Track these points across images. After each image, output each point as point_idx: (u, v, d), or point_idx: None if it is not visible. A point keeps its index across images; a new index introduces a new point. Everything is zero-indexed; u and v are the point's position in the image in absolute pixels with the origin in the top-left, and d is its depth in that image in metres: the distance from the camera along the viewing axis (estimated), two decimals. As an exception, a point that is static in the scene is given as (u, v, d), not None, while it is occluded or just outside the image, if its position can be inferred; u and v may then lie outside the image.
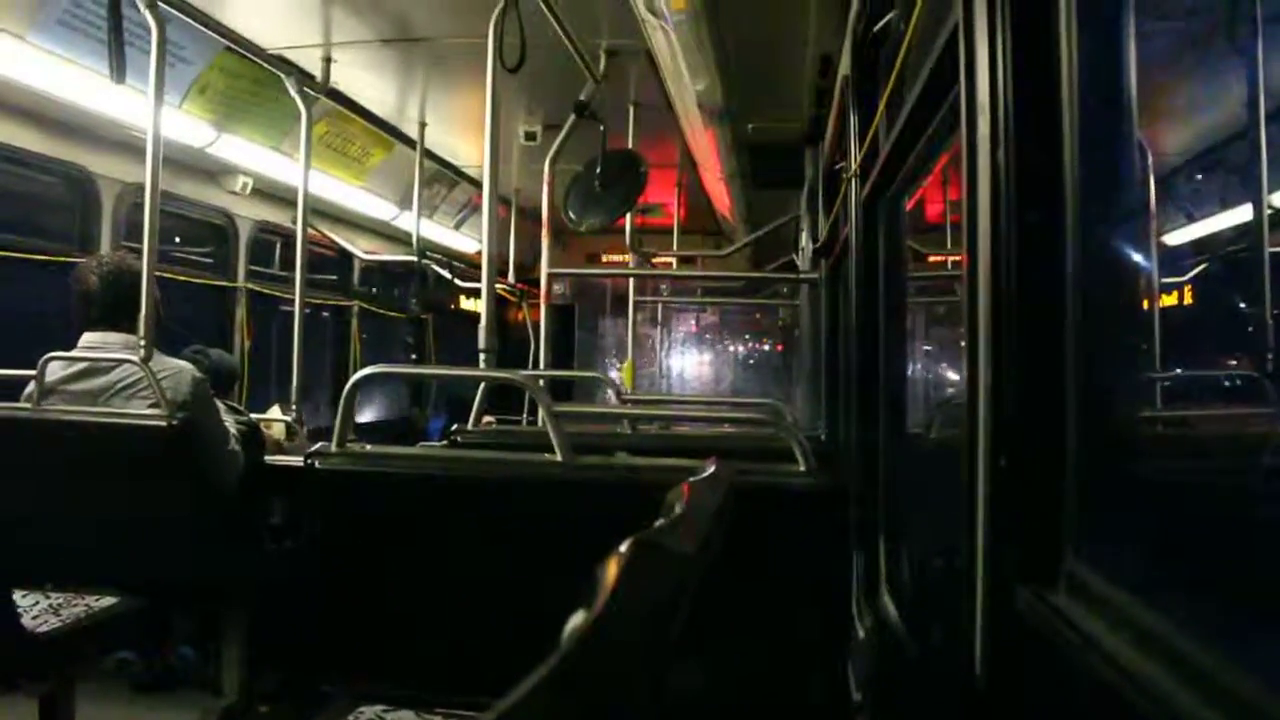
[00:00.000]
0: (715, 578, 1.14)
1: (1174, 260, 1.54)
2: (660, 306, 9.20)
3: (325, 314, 7.61)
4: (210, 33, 4.33)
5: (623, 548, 0.80)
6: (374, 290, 8.32)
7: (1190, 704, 0.73)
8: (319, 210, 6.45)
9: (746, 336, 12.23)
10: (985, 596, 1.15)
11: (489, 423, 4.34)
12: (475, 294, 7.59)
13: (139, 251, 3.34)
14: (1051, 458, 1.09)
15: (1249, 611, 0.87)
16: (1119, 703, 0.81)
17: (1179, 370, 1.49)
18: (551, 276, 4.88)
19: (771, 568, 2.30)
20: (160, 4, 3.39)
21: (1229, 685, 0.72)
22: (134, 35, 3.60)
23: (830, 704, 2.40)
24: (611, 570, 0.76)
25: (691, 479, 1.27)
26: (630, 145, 5.34)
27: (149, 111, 3.37)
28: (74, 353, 3.24)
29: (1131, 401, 1.30)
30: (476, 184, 7.52)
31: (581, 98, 4.67)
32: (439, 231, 8.19)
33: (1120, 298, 1.31)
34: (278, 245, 6.73)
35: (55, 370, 3.20)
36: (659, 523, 1.06)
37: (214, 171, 5.68)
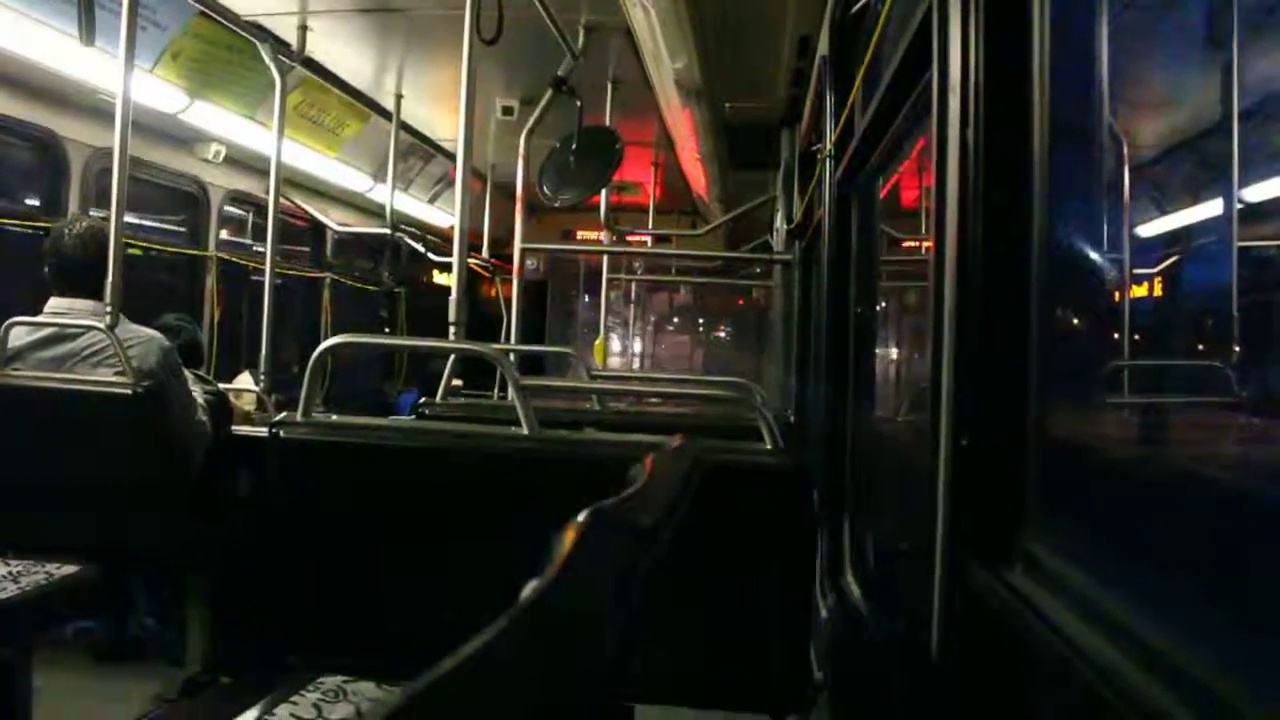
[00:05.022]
0: (679, 553, 1.14)
1: (1142, 250, 1.54)
2: (634, 284, 9.19)
3: (297, 285, 7.56)
4: (184, -3, 4.27)
5: (580, 518, 0.80)
6: (347, 263, 8.27)
7: (1139, 679, 0.74)
8: (292, 181, 6.40)
9: (719, 316, 12.24)
10: (943, 574, 1.16)
11: (458, 386, 4.32)
12: (448, 268, 7.58)
13: (107, 218, 3.30)
14: (1012, 440, 1.10)
15: (1200, 591, 0.88)
16: (1071, 676, 0.82)
17: (1142, 358, 1.50)
18: (525, 252, 4.86)
19: (737, 545, 2.31)
20: (132, -35, 3.33)
21: (1178, 661, 0.73)
22: (104, -3, 3.55)
23: (793, 681, 2.41)
24: (567, 540, 0.76)
25: (655, 454, 1.27)
26: (607, 122, 5.31)
27: (119, 76, 3.32)
28: (39, 318, 3.20)
29: (1092, 387, 1.31)
30: (452, 157, 7.47)
31: (559, 73, 4.63)
32: (414, 205, 8.14)
33: (1086, 284, 1.32)
34: (250, 215, 6.67)
35: (20, 336, 3.16)
36: (620, 495, 1.06)
37: (186, 139, 5.61)
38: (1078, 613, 0.87)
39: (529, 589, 0.66)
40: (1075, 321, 1.28)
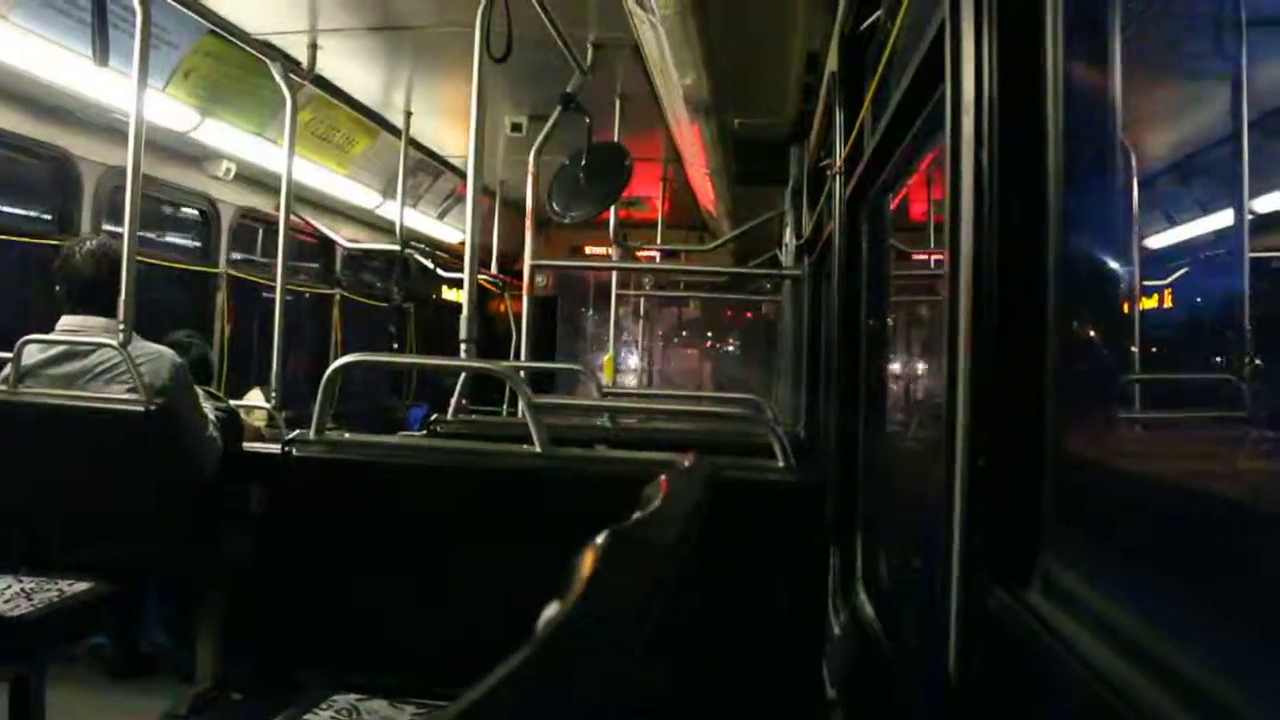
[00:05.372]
0: (692, 571, 1.14)
1: (1155, 263, 1.54)
2: (643, 300, 9.20)
3: (307, 301, 7.58)
4: (195, 16, 4.29)
5: (599, 539, 0.80)
6: (357, 279, 8.29)
7: (1158, 700, 0.73)
8: (302, 197, 6.42)
9: (729, 332, 12.24)
10: (960, 594, 1.15)
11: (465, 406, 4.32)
12: (458, 284, 7.59)
13: (120, 235, 3.32)
14: (1029, 459, 1.10)
15: (1220, 612, 0.88)
16: (1089, 699, 0.82)
17: (1157, 373, 1.49)
18: (534, 268, 4.87)
19: (749, 563, 2.30)
20: (145, -14, 3.36)
21: (1197, 682, 0.72)
22: (117, 17, 3.58)
23: (806, 700, 2.40)
24: (588, 562, 0.76)
25: (669, 472, 1.27)
26: (616, 138, 5.33)
27: (132, 94, 3.33)
28: (52, 335, 3.21)
29: (1109, 403, 1.30)
30: (461, 174, 7.50)
31: (568, 90, 4.65)
32: (423, 221, 8.16)
33: (1101, 299, 1.32)
34: (260, 232, 6.69)
35: (33, 353, 3.18)
36: (636, 515, 1.06)
37: (197, 156, 5.63)
38: (1097, 634, 0.86)
39: (550, 612, 0.66)
40: (1091, 338, 1.28)
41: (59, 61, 4.07)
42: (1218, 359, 1.39)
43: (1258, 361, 1.24)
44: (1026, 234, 1.12)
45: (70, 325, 3.23)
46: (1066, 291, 1.12)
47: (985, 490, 1.12)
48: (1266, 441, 1.14)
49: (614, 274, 7.06)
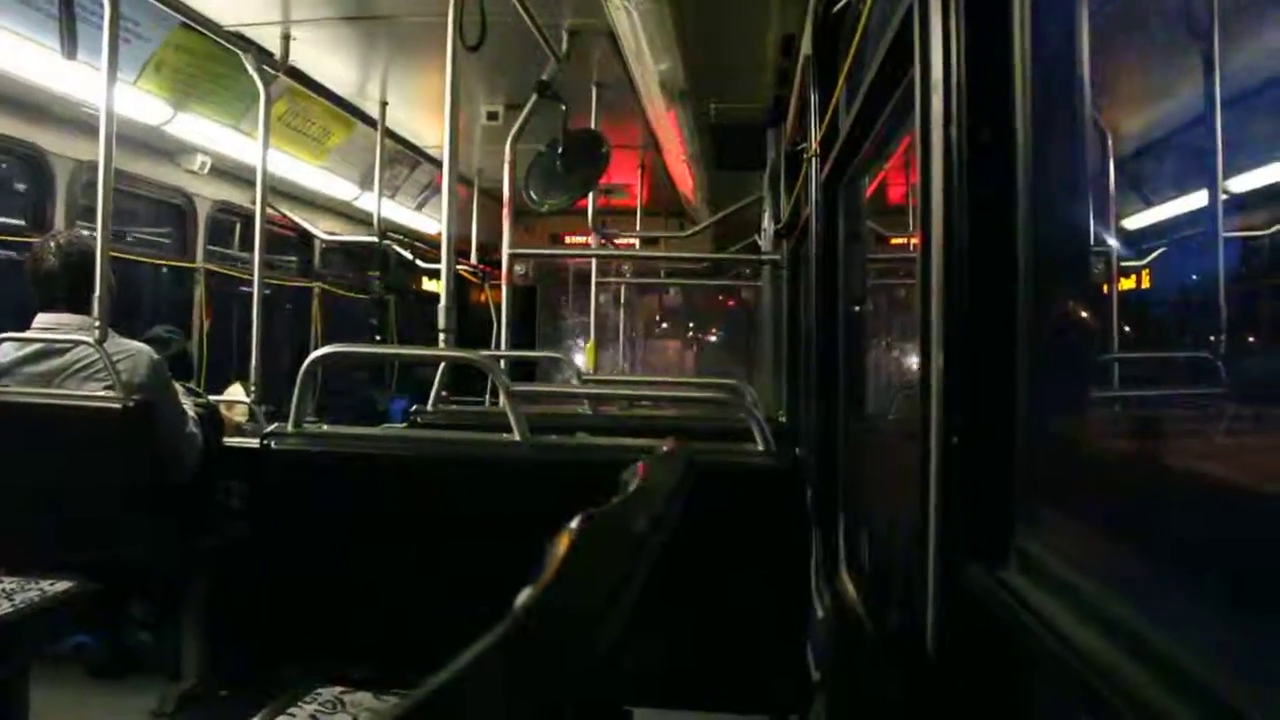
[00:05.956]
0: (674, 555, 1.14)
1: (1129, 243, 1.55)
2: (623, 287, 9.20)
3: (287, 295, 7.55)
4: (165, 8, 4.26)
5: (574, 523, 0.80)
6: (336, 271, 8.26)
7: (1133, 675, 0.74)
8: (279, 190, 6.38)
9: (709, 318, 12.25)
10: (936, 573, 1.16)
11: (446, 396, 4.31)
12: (437, 275, 7.62)
13: (94, 231, 3.29)
14: (1002, 437, 1.10)
15: (1193, 587, 0.89)
16: (1065, 674, 0.82)
17: (1130, 352, 1.50)
18: (513, 257, 4.86)
19: (731, 546, 2.31)
20: (113, -23, 3.32)
21: (1172, 656, 0.73)
22: (86, 10, 3.54)
23: (790, 682, 2.41)
24: (562, 546, 0.76)
25: (648, 458, 1.27)
26: (593, 125, 5.32)
27: (102, 88, 3.31)
28: (27, 334, 3.19)
29: (1082, 381, 1.31)
30: (439, 164, 7.47)
31: (544, 77, 4.64)
32: (401, 212, 8.13)
33: (1073, 278, 1.32)
34: (237, 225, 6.65)
35: (8, 352, 3.15)
36: (613, 500, 1.06)
37: (171, 150, 5.58)
38: (1072, 609, 0.87)
39: (523, 596, 0.66)
40: (1063, 316, 1.28)
41: (27, 55, 4.02)
42: (1192, 338, 1.39)
43: (1226, 339, 1.24)
44: (998, 213, 1.12)
45: (46, 323, 3.21)
46: (1039, 271, 1.13)
47: (959, 470, 1.13)
48: (1241, 419, 1.15)
49: (594, 262, 7.05)
